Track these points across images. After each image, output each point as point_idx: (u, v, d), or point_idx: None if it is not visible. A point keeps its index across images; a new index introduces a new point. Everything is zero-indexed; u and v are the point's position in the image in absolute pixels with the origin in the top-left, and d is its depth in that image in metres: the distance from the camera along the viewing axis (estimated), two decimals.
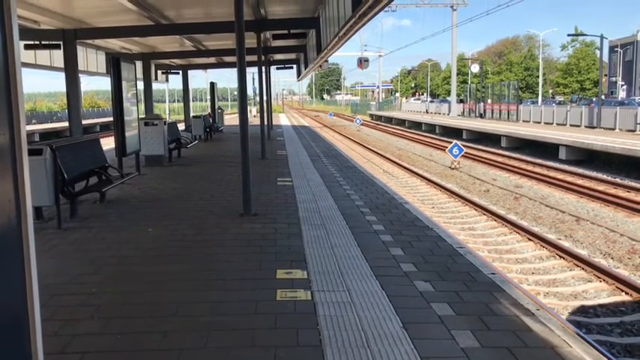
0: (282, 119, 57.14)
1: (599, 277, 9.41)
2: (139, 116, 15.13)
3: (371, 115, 78.15)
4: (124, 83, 12.76)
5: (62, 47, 18.39)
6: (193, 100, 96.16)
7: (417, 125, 53.03)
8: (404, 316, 5.06)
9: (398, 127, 54.31)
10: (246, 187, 9.63)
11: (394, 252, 7.16)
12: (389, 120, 65.63)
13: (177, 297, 5.73)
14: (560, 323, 5.14)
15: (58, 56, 21.24)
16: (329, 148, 23.42)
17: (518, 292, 5.94)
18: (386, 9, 53.45)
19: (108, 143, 18.25)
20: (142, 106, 29.86)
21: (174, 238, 8.17)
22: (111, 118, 13.61)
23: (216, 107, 34.19)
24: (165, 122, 17.27)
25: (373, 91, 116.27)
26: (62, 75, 19.05)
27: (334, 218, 9.17)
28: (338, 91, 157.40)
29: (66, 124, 30.44)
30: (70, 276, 6.48)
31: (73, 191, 9.43)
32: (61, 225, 8.74)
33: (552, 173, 21.05)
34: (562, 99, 71.34)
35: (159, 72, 36.16)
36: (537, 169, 22.27)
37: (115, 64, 12.64)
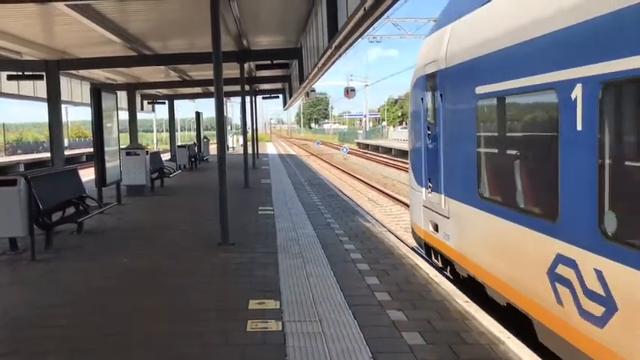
0: (269, 148, 57.26)
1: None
2: (121, 146, 15.12)
3: (358, 144, 78.54)
4: (105, 113, 12.78)
5: (45, 78, 18.42)
6: (181, 130, 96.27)
7: (403, 153, 53.30)
8: (374, 347, 5.02)
9: (384, 156, 54.57)
10: (224, 217, 9.60)
11: (370, 281, 7.12)
12: (376, 148, 65.94)
13: (148, 328, 5.64)
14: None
15: (41, 86, 21.25)
16: (314, 176, 23.44)
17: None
18: (371, 39, 54.12)
19: (92, 173, 18.14)
20: (127, 136, 29.85)
21: (149, 269, 8.09)
22: None
23: (202, 137, 34.25)
24: (147, 152, 17.25)
25: (361, 120, 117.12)
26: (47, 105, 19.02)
27: (312, 247, 9.14)
28: (326, 120, 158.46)
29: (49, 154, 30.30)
30: (40, 308, 6.38)
31: (49, 222, 9.34)
32: (34, 256, 8.63)
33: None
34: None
35: (145, 102, 36.25)
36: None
37: (95, 94, 12.67)
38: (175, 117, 40.82)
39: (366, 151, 67.44)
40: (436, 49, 7.94)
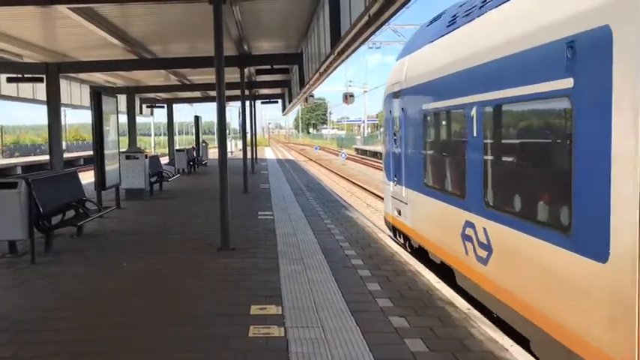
0: (267, 153, 57.27)
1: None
2: (121, 150, 15.10)
3: (356, 150, 78.52)
4: (105, 116, 12.76)
5: (45, 80, 18.40)
6: (179, 134, 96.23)
7: None
8: (378, 354, 5.00)
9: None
10: (224, 221, 9.57)
11: (371, 287, 7.11)
12: (374, 154, 65.99)
13: (149, 332, 5.62)
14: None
15: (40, 89, 21.24)
16: (313, 181, 23.43)
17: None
18: (370, 45, 54.21)
19: (90, 177, 18.12)
20: (126, 140, 29.83)
21: (149, 273, 8.06)
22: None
23: (201, 141, 34.23)
24: (146, 156, 17.23)
25: (359, 126, 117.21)
26: (46, 108, 19.01)
27: (313, 252, 9.12)
28: (324, 126, 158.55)
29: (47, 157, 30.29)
30: (40, 311, 6.35)
31: (49, 225, 9.31)
32: (34, 259, 8.59)
33: None
34: None
35: (144, 105, 36.27)
36: None
37: (96, 97, 12.66)
38: (174, 121, 40.80)
39: (364, 156, 67.42)
40: (399, 73, 10.18)
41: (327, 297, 6.68)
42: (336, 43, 9.45)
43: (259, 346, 5.22)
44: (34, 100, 23.17)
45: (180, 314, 6.19)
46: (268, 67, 18.65)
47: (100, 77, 25.49)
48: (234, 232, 9.92)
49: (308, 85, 17.67)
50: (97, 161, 12.59)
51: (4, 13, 12.46)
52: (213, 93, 34.65)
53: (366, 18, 7.12)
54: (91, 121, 13.02)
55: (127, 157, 16.18)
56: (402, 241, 10.63)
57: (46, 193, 9.16)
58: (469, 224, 6.88)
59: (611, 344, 4.20)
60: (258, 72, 20.49)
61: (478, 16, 6.95)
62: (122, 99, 26.59)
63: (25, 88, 22.03)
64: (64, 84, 21.48)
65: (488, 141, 6.46)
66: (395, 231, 11.13)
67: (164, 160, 29.37)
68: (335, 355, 4.98)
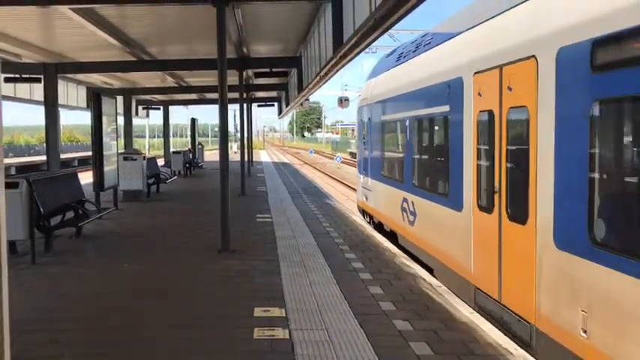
0: (262, 156, 57.23)
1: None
2: (118, 151, 15.08)
3: (351, 153, 78.55)
4: (104, 118, 12.74)
5: (43, 81, 18.34)
6: (174, 136, 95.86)
7: None
8: (383, 357, 5.01)
9: None
10: (225, 223, 9.58)
11: (373, 290, 7.12)
12: None
13: (153, 334, 5.62)
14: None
15: (37, 89, 21.15)
16: (309, 185, 23.45)
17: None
18: (367, 50, 54.37)
19: (85, 178, 18.07)
20: (122, 141, 29.74)
21: (150, 275, 8.05)
22: (89, 153, 13.53)
23: (197, 143, 34.19)
24: (144, 157, 17.20)
25: (354, 130, 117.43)
26: (41, 108, 18.98)
27: (313, 255, 9.13)
28: (319, 129, 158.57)
29: (44, 157, 30.16)
30: (42, 312, 6.34)
31: (49, 225, 9.28)
32: (35, 260, 8.57)
33: None
34: None
35: (140, 107, 36.19)
36: None
37: (95, 99, 12.64)
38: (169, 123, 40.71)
39: None
40: (367, 91, 13.92)
41: (329, 300, 6.69)
42: (339, 47, 9.49)
43: (265, 347, 5.23)
44: (30, 101, 23.07)
45: (183, 316, 6.19)
46: (267, 70, 18.65)
47: (97, 78, 25.42)
48: (233, 234, 9.91)
49: (307, 89, 17.69)
50: (96, 162, 12.55)
51: (2, 12, 12.41)
52: (209, 95, 34.76)
53: (371, 22, 7.16)
54: (84, 122, 13.01)
55: (125, 159, 16.15)
56: (368, 220, 14.02)
57: (47, 194, 9.14)
58: (404, 200, 10.31)
59: (464, 258, 7.43)
60: (257, 75, 20.49)
61: (411, 58, 10.48)
62: (119, 100, 26.55)
63: (23, 88, 21.93)
64: (60, 84, 21.38)
65: (414, 143, 10.01)
66: (363, 213, 14.71)
67: (160, 162, 29.31)
68: (341, 357, 4.99)
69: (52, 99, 18.49)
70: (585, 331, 4.72)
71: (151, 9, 12.54)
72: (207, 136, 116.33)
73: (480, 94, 6.92)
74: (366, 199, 13.91)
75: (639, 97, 4.26)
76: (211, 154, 50.01)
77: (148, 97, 34.22)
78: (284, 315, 6.11)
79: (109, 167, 13.16)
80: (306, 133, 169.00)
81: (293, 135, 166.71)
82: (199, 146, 35.75)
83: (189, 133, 42.67)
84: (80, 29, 13.81)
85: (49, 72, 18.19)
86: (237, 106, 22.31)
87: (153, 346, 5.33)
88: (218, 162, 10.32)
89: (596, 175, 4.77)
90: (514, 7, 6.32)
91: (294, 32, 15.63)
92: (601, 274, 4.54)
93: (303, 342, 5.34)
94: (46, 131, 18.76)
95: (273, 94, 35.38)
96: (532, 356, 5.29)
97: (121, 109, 27.27)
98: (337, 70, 12.68)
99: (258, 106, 39.18)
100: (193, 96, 35.02)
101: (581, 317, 4.79)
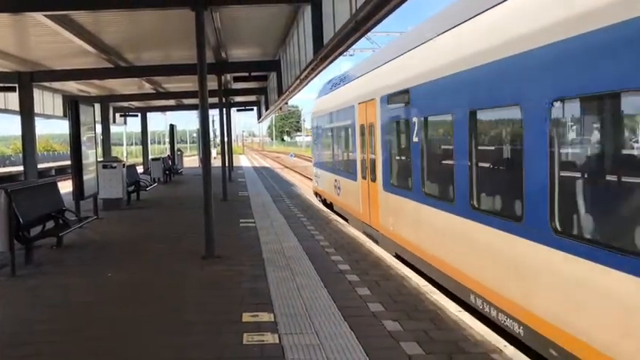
0: (242, 160, 56.96)
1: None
2: (97, 159, 14.88)
3: None
4: (82, 126, 12.56)
5: (18, 90, 18.05)
6: (152, 143, 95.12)
7: None
8: (375, 358, 4.99)
9: None
10: (209, 229, 9.49)
11: (361, 292, 7.11)
12: None
13: (140, 343, 5.53)
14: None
15: (13, 99, 20.82)
16: (291, 188, 23.37)
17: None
18: (345, 53, 54.57)
19: (64, 187, 17.80)
20: (100, 149, 29.39)
21: (135, 283, 7.94)
22: (67, 162, 13.33)
23: (176, 149, 33.92)
24: (124, 165, 17.00)
25: None
26: (16, 118, 18.68)
27: (299, 259, 9.09)
28: (298, 133, 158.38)
29: (20, 168, 29.65)
30: (25, 324, 6.21)
31: (29, 236, 9.11)
32: (15, 272, 8.39)
33: None
34: None
35: (117, 115, 35.82)
36: None
37: (73, 107, 12.46)
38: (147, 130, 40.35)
39: None
40: (316, 106, 19.34)
41: (318, 303, 6.66)
42: (320, 50, 9.47)
43: (255, 353, 5.18)
44: (5, 110, 22.69)
45: (171, 324, 6.10)
46: (246, 74, 18.58)
47: (73, 86, 25.10)
48: (217, 240, 9.81)
49: (287, 92, 17.67)
50: (75, 171, 12.36)
51: None
52: (187, 101, 34.54)
53: (352, 24, 7.16)
54: (61, 132, 12.82)
55: (104, 167, 15.94)
56: (319, 199, 18.99)
57: (26, 204, 8.97)
58: (335, 180, 15.50)
59: (358, 207, 12.58)
60: (235, 79, 20.41)
61: (335, 89, 15.99)
62: (96, 108, 26.23)
63: None
64: (36, 93, 21.04)
65: (337, 143, 15.36)
66: (316, 194, 19.80)
67: (139, 170, 28.99)
68: (332, 359, 4.97)
69: (27, 108, 18.21)
70: (392, 226, 10.07)
71: (127, 15, 12.41)
72: (186, 142, 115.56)
73: (359, 115, 12.43)
74: (317, 184, 19.66)
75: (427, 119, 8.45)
76: (191, 160, 49.71)
77: (125, 104, 33.90)
78: (273, 320, 6.06)
79: (88, 176, 12.97)
80: (285, 137, 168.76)
81: (273, 139, 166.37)
82: (178, 152, 35.47)
83: (167, 140, 42.37)
84: (55, 36, 13.61)
85: (24, 81, 17.92)
86: (216, 112, 22.15)
87: (141, 355, 5.24)
88: (198, 168, 10.29)
89: (380, 157, 10.77)
90: (369, 71, 12.01)
91: (273, 35, 15.60)
92: (395, 199, 9.93)
93: (294, 346, 5.30)
94: (23, 141, 18.47)
95: (253, 98, 35.28)
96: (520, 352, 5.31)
97: (98, 116, 26.98)
98: (317, 73, 12.69)
99: (237, 110, 39.03)
100: (171, 102, 34.78)
101: (391, 220, 10.15)
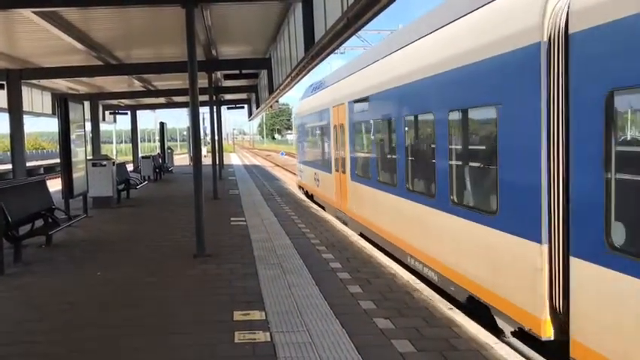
0: (233, 159, 56.81)
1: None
2: (87, 157, 14.79)
3: None
4: (71, 124, 12.48)
5: (6, 88, 17.89)
6: (141, 141, 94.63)
7: None
8: (367, 356, 4.99)
9: None
10: (199, 227, 9.45)
11: (352, 290, 7.11)
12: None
13: (131, 343, 5.49)
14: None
15: (1, 96, 20.64)
16: (282, 187, 23.33)
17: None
18: (336, 51, 54.56)
19: (53, 186, 17.67)
20: (89, 147, 29.21)
21: (125, 282, 7.89)
22: (56, 160, 13.26)
23: (166, 148, 33.77)
24: (113, 163, 16.91)
25: None
26: (4, 116, 18.49)
27: (290, 257, 9.08)
28: (289, 131, 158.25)
29: (8, 166, 29.43)
30: (14, 324, 6.15)
31: (17, 235, 9.04)
32: (3, 270, 8.32)
33: None
34: None
35: (106, 112, 35.62)
36: None
37: (62, 104, 12.37)
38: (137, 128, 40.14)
39: None
40: (299, 107, 21.66)
41: (309, 301, 6.65)
42: (311, 47, 9.45)
43: (246, 352, 5.16)
44: None
45: (162, 323, 6.07)
46: (236, 72, 18.53)
47: (62, 84, 24.93)
48: (208, 238, 9.78)
49: (278, 90, 17.64)
50: (64, 169, 12.27)
51: None
52: (177, 99, 34.37)
53: (344, 21, 7.15)
54: (49, 129, 12.75)
55: (94, 165, 15.85)
56: (302, 191, 21.06)
57: (14, 202, 8.90)
58: (315, 173, 17.65)
59: (334, 196, 14.82)
60: (226, 77, 20.35)
61: (314, 94, 18.08)
62: (85, 106, 26.07)
63: None
64: (25, 91, 20.87)
65: (316, 141, 17.49)
66: (300, 187, 22.08)
67: (129, 168, 28.87)
68: (324, 358, 4.96)
69: (16, 106, 18.07)
70: (357, 209, 12.27)
71: (117, 12, 12.34)
72: (176, 140, 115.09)
73: (334, 116, 14.43)
74: (301, 178, 22.08)
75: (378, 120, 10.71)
76: (181, 159, 49.56)
77: (114, 101, 33.71)
78: (264, 318, 6.05)
79: (77, 174, 12.89)
80: (276, 135, 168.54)
81: (263, 137, 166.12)
82: (169, 151, 35.33)
83: (157, 138, 42.18)
84: (44, 33, 13.52)
85: (13, 78, 17.78)
86: (206, 109, 22.07)
87: (132, 355, 5.21)
88: (188, 166, 10.28)
89: (348, 152, 12.84)
90: (342, 79, 13.98)
91: (264, 33, 15.57)
92: (359, 187, 12.09)
93: (285, 344, 5.29)
94: (11, 139, 18.33)
95: (243, 96, 35.20)
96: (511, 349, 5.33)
97: (87, 114, 26.81)
98: (309, 71, 12.67)
99: (228, 108, 38.92)
100: (161, 100, 34.63)
101: (355, 205, 12.48)
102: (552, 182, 5.16)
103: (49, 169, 49.56)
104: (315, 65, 11.58)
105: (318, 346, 5.24)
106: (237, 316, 6.14)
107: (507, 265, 5.92)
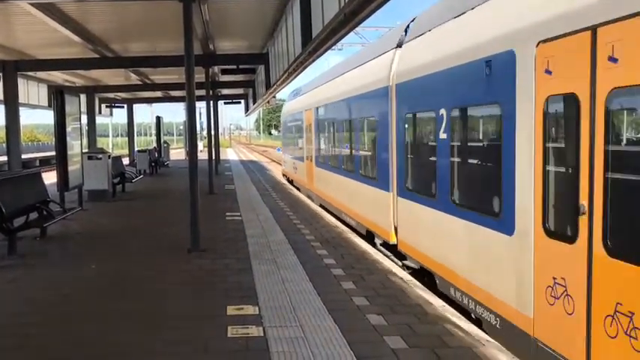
0: (229, 154, 56.74)
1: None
2: (82, 150, 14.76)
3: None
4: (67, 116, 12.45)
5: (2, 79, 17.82)
6: (138, 135, 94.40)
7: None
8: (359, 351, 5.02)
9: None
10: (194, 222, 9.46)
11: (346, 286, 7.13)
12: None
13: (125, 336, 5.51)
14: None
15: None
16: (278, 182, 23.35)
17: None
18: (333, 47, 54.47)
19: (48, 178, 17.63)
20: (85, 140, 29.13)
21: (119, 276, 7.90)
22: (51, 153, 13.25)
23: (162, 142, 33.71)
24: (109, 156, 16.88)
25: None
26: (0, 108, 18.43)
27: (285, 252, 9.10)
28: None
29: (3, 158, 29.33)
30: (8, 316, 6.16)
31: (12, 227, 9.03)
32: None
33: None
34: None
35: (103, 105, 35.48)
36: None
37: (58, 97, 12.34)
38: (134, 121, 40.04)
39: None
40: (285, 108, 27.74)
41: (303, 296, 6.67)
42: (308, 43, 9.45)
43: (239, 346, 5.18)
44: None
45: (156, 316, 6.09)
46: (234, 67, 18.49)
47: (58, 76, 24.83)
48: (203, 233, 9.78)
49: (275, 86, 17.63)
50: (59, 161, 12.25)
51: None
52: (174, 93, 34.29)
53: (341, 17, 7.15)
54: (45, 122, 12.72)
55: (89, 158, 15.82)
56: (285, 178, 25.04)
57: (9, 194, 8.90)
58: (293, 163, 22.67)
59: (308, 182, 18.78)
60: (223, 72, 20.32)
61: (296, 98, 22.60)
62: (82, 99, 25.98)
63: None
64: (20, 83, 20.80)
65: (294, 137, 22.48)
66: (284, 175, 26.05)
67: (124, 161, 28.81)
68: (316, 353, 4.98)
69: (12, 97, 17.99)
70: (319, 188, 16.72)
71: (114, 5, 12.29)
72: (172, 135, 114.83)
73: (306, 118, 18.44)
74: (284, 167, 26.94)
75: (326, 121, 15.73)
76: (177, 153, 49.48)
77: (111, 95, 33.60)
78: (257, 313, 6.07)
79: (72, 167, 12.87)
80: (273, 131, 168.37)
81: (260, 132, 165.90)
82: (165, 145, 35.27)
83: (153, 132, 42.09)
84: (41, 25, 13.45)
85: (9, 70, 17.69)
86: (203, 104, 22.05)
87: (126, 348, 5.23)
88: (184, 161, 10.26)
89: (313, 145, 17.63)
90: (313, 89, 18.20)
91: (261, 28, 15.53)
92: (319, 171, 16.82)
93: (278, 339, 5.31)
94: (7, 131, 18.26)
95: (240, 91, 35.13)
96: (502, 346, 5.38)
97: (83, 107, 26.72)
98: (306, 67, 12.66)
99: (225, 103, 38.84)
100: (158, 94, 34.54)
101: (318, 184, 16.89)
102: (392, 163, 9.43)
103: (45, 162, 49.37)
104: (313, 61, 11.57)
105: (311, 341, 5.27)
106: (231, 310, 6.16)
107: (380, 207, 10.16)
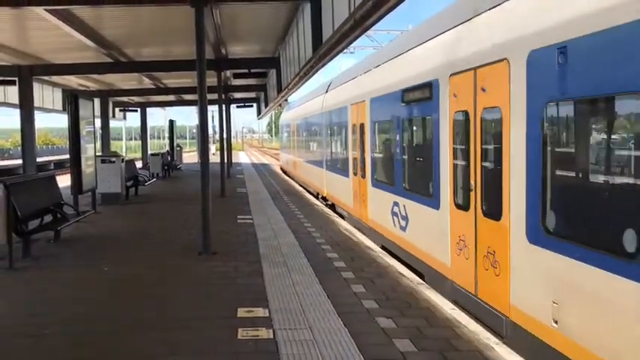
0: (241, 157, 56.91)
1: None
2: (96, 154, 14.92)
3: None
4: (81, 120, 12.61)
5: (17, 83, 18.07)
6: (151, 138, 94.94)
7: None
8: (368, 354, 5.04)
9: None
10: (206, 225, 9.53)
11: (356, 289, 7.16)
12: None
13: (137, 338, 5.58)
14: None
15: (12, 92, 20.84)
16: (290, 186, 23.42)
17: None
18: (344, 51, 54.55)
19: (62, 181, 17.83)
20: (99, 144, 29.40)
21: (131, 278, 7.98)
22: (65, 156, 13.39)
23: (175, 145, 33.92)
24: (122, 160, 17.04)
25: None
26: (15, 111, 18.78)
27: (295, 255, 9.14)
28: None
29: (19, 161, 29.66)
30: (21, 317, 6.26)
31: (27, 229, 9.15)
32: (12, 264, 8.44)
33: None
34: None
35: (116, 109, 35.83)
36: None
37: (72, 101, 12.49)
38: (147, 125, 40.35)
39: None
40: (284, 115, 34.80)
41: (313, 299, 6.71)
42: (319, 47, 9.51)
43: (249, 348, 5.23)
44: (5, 104, 22.71)
45: (167, 318, 6.15)
46: (245, 70, 18.61)
47: (73, 81, 25.12)
48: (214, 236, 9.86)
49: (287, 89, 17.72)
50: (73, 165, 12.40)
51: None
52: (187, 97, 34.56)
53: (351, 22, 7.20)
54: (59, 125, 12.86)
55: (103, 161, 15.98)
56: (282, 171, 32.20)
57: (24, 197, 9.02)
58: (292, 160, 27.46)
59: (296, 172, 25.94)
60: (235, 76, 20.45)
61: (295, 108, 27.54)
62: (96, 103, 26.25)
63: None
64: (35, 87, 21.08)
65: (294, 139, 26.39)
66: (281, 168, 34.04)
67: (138, 165, 29.03)
68: (326, 355, 5.01)
69: (27, 102, 18.24)
70: (302, 175, 23.82)
71: (127, 10, 12.45)
72: (185, 138, 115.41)
73: (292, 126, 27.56)
74: (281, 162, 32.89)
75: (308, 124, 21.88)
76: (190, 156, 49.72)
77: (124, 98, 33.92)
78: (267, 315, 6.11)
79: (86, 170, 13.02)
80: None
81: (272, 136, 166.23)
82: (178, 148, 35.50)
83: (166, 135, 42.36)
84: (55, 31, 13.66)
85: (24, 74, 17.95)
86: (215, 108, 22.19)
87: (137, 349, 5.29)
88: (197, 164, 10.34)
89: (295, 145, 26.58)
90: (299, 105, 25.36)
91: (273, 33, 15.64)
92: (301, 163, 23.93)
93: (288, 341, 5.35)
94: (22, 134, 18.51)
95: (252, 94, 35.34)
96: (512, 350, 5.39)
97: (97, 111, 26.99)
98: (317, 70, 12.72)
99: (237, 107, 39.05)
100: (171, 97, 34.80)
101: (298, 172, 25.01)
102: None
103: (59, 165, 49.86)
104: (324, 65, 11.62)
105: (320, 343, 5.30)
106: (241, 312, 6.21)
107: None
